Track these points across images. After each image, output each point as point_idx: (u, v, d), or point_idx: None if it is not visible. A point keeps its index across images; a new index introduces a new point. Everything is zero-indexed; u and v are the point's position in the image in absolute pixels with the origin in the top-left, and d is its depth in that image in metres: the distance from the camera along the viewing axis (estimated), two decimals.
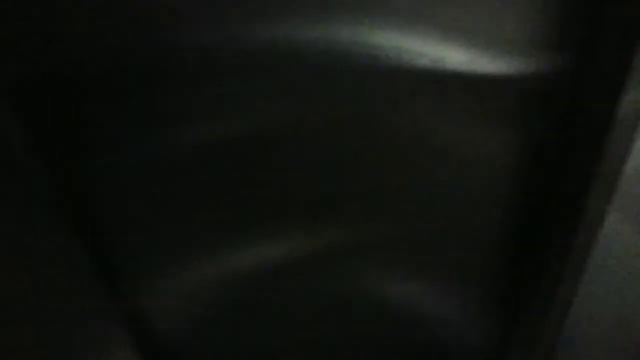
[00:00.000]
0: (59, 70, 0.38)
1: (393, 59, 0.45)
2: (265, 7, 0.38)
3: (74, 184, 0.44)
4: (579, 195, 0.52)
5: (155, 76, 0.40)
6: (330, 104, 0.46)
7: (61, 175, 0.44)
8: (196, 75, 0.40)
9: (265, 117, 0.44)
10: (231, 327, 0.58)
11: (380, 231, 0.57)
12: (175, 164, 0.44)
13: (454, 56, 0.45)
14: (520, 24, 0.45)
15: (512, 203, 0.58)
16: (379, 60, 0.44)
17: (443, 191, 0.55)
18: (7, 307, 0.38)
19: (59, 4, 0.35)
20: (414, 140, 0.51)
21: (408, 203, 0.55)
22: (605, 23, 0.44)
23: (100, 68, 0.39)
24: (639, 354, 0.64)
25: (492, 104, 0.50)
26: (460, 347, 0.75)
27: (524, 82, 0.48)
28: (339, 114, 0.47)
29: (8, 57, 0.37)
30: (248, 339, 0.58)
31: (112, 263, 0.49)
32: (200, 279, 0.53)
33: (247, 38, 0.39)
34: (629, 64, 0.44)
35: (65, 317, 0.45)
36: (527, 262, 0.64)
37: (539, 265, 0.63)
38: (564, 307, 0.69)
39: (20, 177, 0.41)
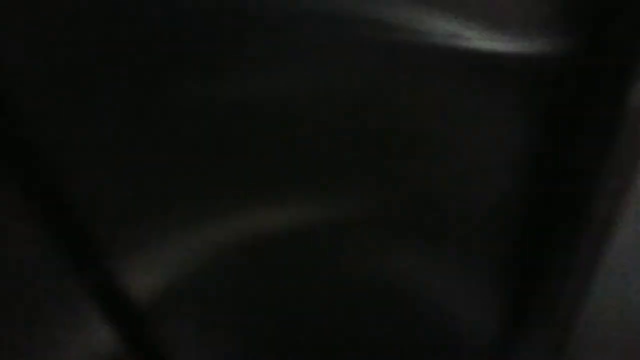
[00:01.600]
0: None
1: (406, 33, 0.44)
2: None
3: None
4: (591, 189, 0.50)
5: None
6: (342, 78, 0.45)
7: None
8: (192, 38, 0.40)
9: (266, 84, 0.44)
10: (218, 307, 0.58)
11: (383, 208, 0.56)
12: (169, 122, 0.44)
13: (467, 32, 0.44)
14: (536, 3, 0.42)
15: (519, 191, 0.58)
16: (391, 34, 0.43)
17: (449, 174, 0.55)
18: None
19: None
20: (421, 118, 0.51)
21: (410, 180, 0.55)
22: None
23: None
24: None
25: (503, 85, 0.48)
26: (465, 342, 0.75)
27: (535, 62, 0.46)
28: (350, 87, 0.46)
29: None
30: (232, 317, 0.59)
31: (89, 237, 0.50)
32: (187, 253, 0.54)
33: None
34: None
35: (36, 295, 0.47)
36: (537, 257, 0.63)
37: (548, 260, 0.62)
38: (573, 307, 0.68)
39: None
